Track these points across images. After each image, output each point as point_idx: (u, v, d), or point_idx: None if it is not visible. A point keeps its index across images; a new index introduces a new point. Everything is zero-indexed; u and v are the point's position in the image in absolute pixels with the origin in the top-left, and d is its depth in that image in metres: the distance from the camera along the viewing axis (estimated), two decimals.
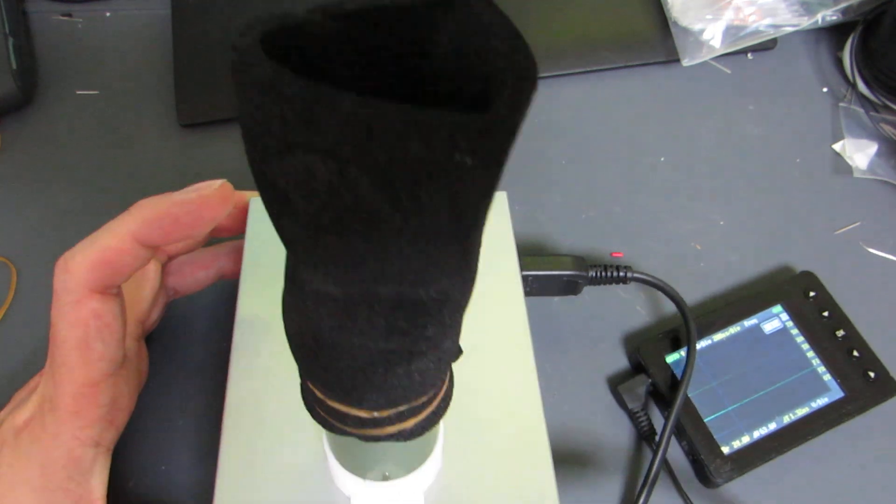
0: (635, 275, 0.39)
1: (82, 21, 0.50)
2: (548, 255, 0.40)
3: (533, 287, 0.39)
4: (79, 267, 0.25)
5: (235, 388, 0.31)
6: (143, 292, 0.33)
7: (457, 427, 0.30)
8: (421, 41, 0.15)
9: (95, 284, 0.26)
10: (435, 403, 0.22)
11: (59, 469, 0.27)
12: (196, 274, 0.36)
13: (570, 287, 0.39)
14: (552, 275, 0.38)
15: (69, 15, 0.50)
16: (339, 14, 0.14)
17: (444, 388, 0.22)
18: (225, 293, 0.39)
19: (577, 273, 0.38)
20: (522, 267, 0.38)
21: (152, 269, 0.33)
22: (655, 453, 0.35)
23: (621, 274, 0.39)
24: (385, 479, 0.26)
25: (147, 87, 0.48)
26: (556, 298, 0.41)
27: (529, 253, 0.41)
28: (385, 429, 0.21)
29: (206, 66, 0.47)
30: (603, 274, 0.39)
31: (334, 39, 0.14)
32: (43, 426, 0.27)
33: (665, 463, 0.36)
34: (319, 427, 0.25)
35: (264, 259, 0.34)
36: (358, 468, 0.26)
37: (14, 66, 0.44)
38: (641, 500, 0.34)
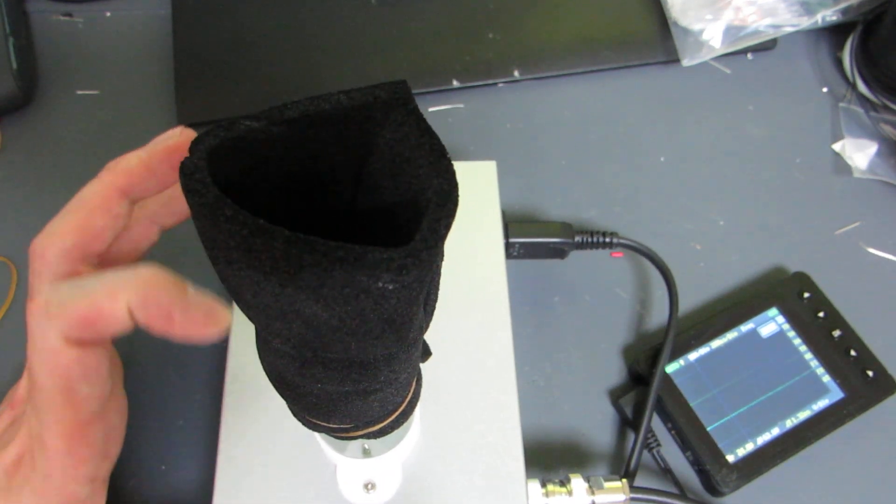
0: (621, 240, 0.39)
1: (82, 21, 0.50)
2: (536, 222, 0.40)
3: (521, 252, 0.39)
4: (55, 245, 0.23)
5: (234, 363, 0.32)
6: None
7: (434, 398, 0.32)
8: (361, 146, 0.16)
9: (77, 254, 0.24)
10: (401, 409, 0.23)
11: None
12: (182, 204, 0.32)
13: (557, 252, 0.40)
14: (540, 242, 0.39)
15: (69, 15, 0.50)
16: (281, 121, 0.15)
17: (410, 394, 0.23)
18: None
19: (563, 240, 0.39)
20: (512, 233, 0.39)
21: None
22: (637, 434, 0.35)
23: (607, 239, 0.39)
24: (365, 453, 0.28)
25: (147, 87, 0.48)
26: (556, 298, 0.41)
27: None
28: (354, 433, 0.22)
29: (206, 66, 0.47)
30: (589, 239, 0.39)
31: (279, 143, 0.15)
32: (33, 467, 0.25)
33: (670, 474, 0.36)
34: None
35: None
36: (338, 447, 0.28)
37: (14, 66, 0.44)
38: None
